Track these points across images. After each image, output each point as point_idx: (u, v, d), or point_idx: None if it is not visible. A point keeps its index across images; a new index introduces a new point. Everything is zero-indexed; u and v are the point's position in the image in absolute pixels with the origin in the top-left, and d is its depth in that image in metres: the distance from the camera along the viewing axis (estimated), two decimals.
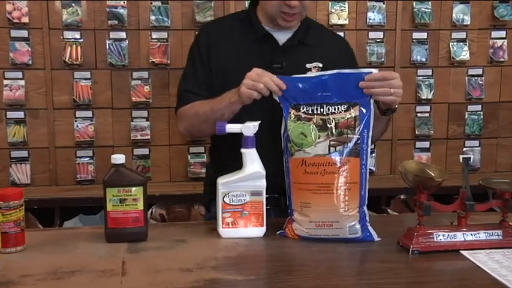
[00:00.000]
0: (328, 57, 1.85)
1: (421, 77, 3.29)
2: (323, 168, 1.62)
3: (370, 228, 1.67)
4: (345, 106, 1.65)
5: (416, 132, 3.31)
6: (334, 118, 1.65)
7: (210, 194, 1.82)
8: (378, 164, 3.30)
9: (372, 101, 1.67)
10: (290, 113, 1.68)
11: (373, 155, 3.26)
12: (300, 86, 1.68)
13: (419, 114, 3.31)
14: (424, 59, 3.27)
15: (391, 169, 3.32)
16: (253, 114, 1.74)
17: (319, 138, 1.64)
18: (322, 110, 1.66)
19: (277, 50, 1.92)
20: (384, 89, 1.67)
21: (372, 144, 1.77)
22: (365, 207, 1.66)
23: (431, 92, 3.29)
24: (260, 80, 1.69)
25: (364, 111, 1.65)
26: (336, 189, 1.62)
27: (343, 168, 1.62)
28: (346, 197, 1.63)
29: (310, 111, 1.66)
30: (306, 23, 1.98)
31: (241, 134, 1.66)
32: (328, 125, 1.64)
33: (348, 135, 1.63)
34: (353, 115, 1.64)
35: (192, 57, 2.02)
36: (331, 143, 1.64)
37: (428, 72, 3.29)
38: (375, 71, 1.68)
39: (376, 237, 1.67)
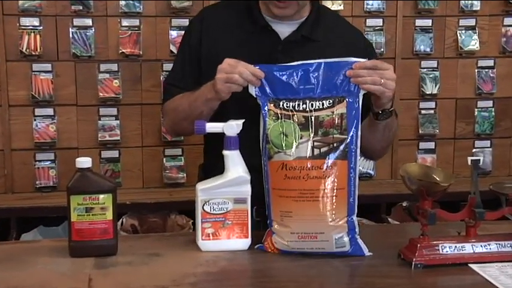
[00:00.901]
0: (339, 56, 1.79)
1: (425, 70, 3.31)
2: (306, 173, 1.63)
3: (359, 241, 1.68)
4: (330, 101, 1.66)
5: (420, 132, 3.33)
6: (318, 116, 1.66)
7: None
8: (377, 167, 3.32)
9: (360, 95, 1.68)
10: (269, 110, 1.69)
11: None
12: (280, 76, 1.69)
13: (423, 111, 3.33)
14: (428, 49, 3.29)
15: (391, 173, 3.34)
16: (240, 112, 1.74)
17: (301, 138, 1.65)
18: (304, 106, 1.67)
19: (277, 45, 1.91)
20: (373, 77, 1.68)
21: (372, 158, 1.77)
22: (354, 217, 1.67)
23: (437, 86, 3.32)
24: (234, 71, 1.70)
25: (352, 106, 1.66)
26: (320, 196, 1.63)
27: (328, 172, 1.63)
28: (333, 205, 1.63)
29: (291, 107, 1.67)
30: (316, 14, 1.95)
31: (224, 134, 1.67)
32: (312, 124, 1.65)
33: (334, 136, 1.64)
34: (339, 112, 1.65)
35: (181, 45, 2.04)
36: (315, 144, 1.64)
37: (433, 63, 3.32)
38: (365, 60, 1.69)
39: (366, 252, 1.68)
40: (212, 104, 1.81)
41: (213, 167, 1.76)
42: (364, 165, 3.29)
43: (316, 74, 1.68)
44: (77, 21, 3.01)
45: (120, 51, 3.05)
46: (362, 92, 1.68)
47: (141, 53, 3.06)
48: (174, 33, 3.07)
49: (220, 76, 1.72)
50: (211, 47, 1.94)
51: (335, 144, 1.64)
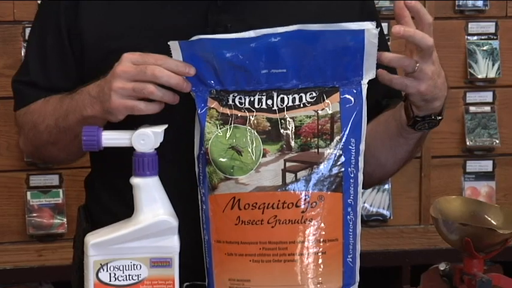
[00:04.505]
0: (317, 15, 1.84)
1: (475, 38, 3.39)
2: (273, 214, 1.65)
3: None
4: (313, 94, 1.70)
5: (468, 143, 3.41)
6: (293, 118, 1.69)
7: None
8: (395, 205, 3.37)
9: (364, 83, 1.71)
10: (210, 109, 1.71)
11: (386, 186, 3.32)
12: (228, 55, 1.71)
13: (472, 109, 3.41)
14: (480, 4, 3.37)
15: (420, 214, 3.39)
16: (161, 114, 1.76)
17: (264, 156, 1.68)
18: (270, 102, 1.70)
19: (216, 1, 1.91)
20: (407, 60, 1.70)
21: (375, 183, 1.79)
22: None
23: (495, 67, 3.38)
24: (145, 76, 1.70)
25: (351, 102, 1.70)
26: (298, 254, 1.65)
27: (311, 212, 1.66)
28: (319, 269, 1.66)
29: (247, 105, 1.71)
30: None
31: (132, 150, 1.69)
32: (283, 131, 1.68)
33: (320, 150, 1.68)
34: (328, 112, 1.69)
35: (40, 16, 2.05)
36: (289, 164, 1.67)
37: (489, 27, 3.40)
38: (369, 25, 1.69)
39: None
40: (95, 124, 1.76)
41: (108, 209, 1.80)
42: (373, 200, 3.34)
43: (289, 50, 1.70)
44: None
45: None
46: (368, 78, 1.72)
47: None
48: None
49: (118, 85, 1.72)
50: (100, 21, 1.93)
51: (321, 166, 1.67)
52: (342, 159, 1.68)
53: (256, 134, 1.69)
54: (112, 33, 1.85)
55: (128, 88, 1.71)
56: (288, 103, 1.70)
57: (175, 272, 1.70)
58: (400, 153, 1.93)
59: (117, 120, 1.76)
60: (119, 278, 1.69)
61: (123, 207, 1.72)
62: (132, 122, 1.73)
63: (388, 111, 1.89)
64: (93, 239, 1.70)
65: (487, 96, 3.41)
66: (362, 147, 1.70)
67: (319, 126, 1.68)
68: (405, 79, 1.71)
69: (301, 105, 1.70)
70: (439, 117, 1.81)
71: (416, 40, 1.65)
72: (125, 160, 1.69)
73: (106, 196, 1.95)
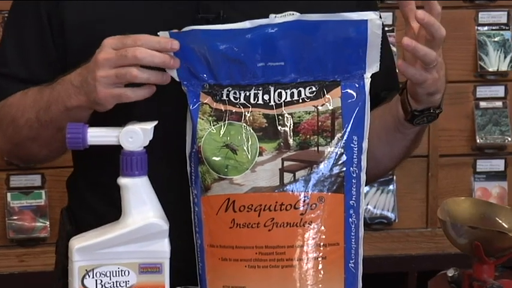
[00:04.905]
0: (313, 3, 1.87)
1: (485, 28, 3.39)
2: (270, 216, 1.66)
3: None
4: (313, 88, 1.70)
5: (478, 141, 3.41)
6: (291, 114, 1.69)
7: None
8: (400, 207, 3.38)
9: (367, 76, 1.71)
10: (203, 105, 1.72)
11: (390, 187, 3.33)
12: (222, 47, 1.71)
13: (482, 104, 3.41)
14: None
15: (427, 217, 3.39)
16: (150, 109, 1.78)
17: (261, 154, 1.68)
18: (267, 97, 1.71)
19: None
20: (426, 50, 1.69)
21: (370, 181, 1.79)
22: None
23: (507, 59, 3.39)
24: (126, 60, 1.70)
25: (353, 97, 1.70)
26: (296, 259, 1.65)
27: (310, 215, 1.66)
28: (319, 275, 1.66)
29: (242, 100, 1.71)
30: None
31: (120, 148, 1.70)
32: (280, 128, 1.69)
33: (320, 148, 1.68)
34: (329, 108, 1.69)
35: (17, 5, 2.05)
36: (287, 164, 1.68)
37: (500, 17, 3.40)
38: (372, 15, 1.69)
39: None
40: (80, 115, 1.81)
41: (93, 209, 1.82)
42: (377, 202, 3.34)
43: (287, 42, 1.71)
44: None
45: None
46: (371, 71, 1.72)
47: None
48: None
49: (101, 74, 1.72)
50: (83, 7, 1.94)
51: (322, 165, 1.68)
52: (344, 158, 1.68)
53: (252, 131, 1.69)
54: (96, 18, 1.86)
55: (111, 76, 1.72)
56: (286, 98, 1.70)
57: (165, 278, 1.70)
58: (397, 149, 1.95)
59: (106, 109, 1.77)
60: (106, 285, 1.69)
61: (109, 207, 1.72)
62: (122, 115, 1.74)
63: (384, 105, 1.90)
64: (78, 243, 1.70)
65: (499, 90, 3.41)
66: (365, 145, 1.70)
67: (319, 123, 1.68)
68: (423, 71, 1.71)
69: (300, 101, 1.70)
70: (438, 110, 1.82)
71: (433, 29, 1.65)
72: (110, 157, 1.69)
73: (91, 196, 1.96)
